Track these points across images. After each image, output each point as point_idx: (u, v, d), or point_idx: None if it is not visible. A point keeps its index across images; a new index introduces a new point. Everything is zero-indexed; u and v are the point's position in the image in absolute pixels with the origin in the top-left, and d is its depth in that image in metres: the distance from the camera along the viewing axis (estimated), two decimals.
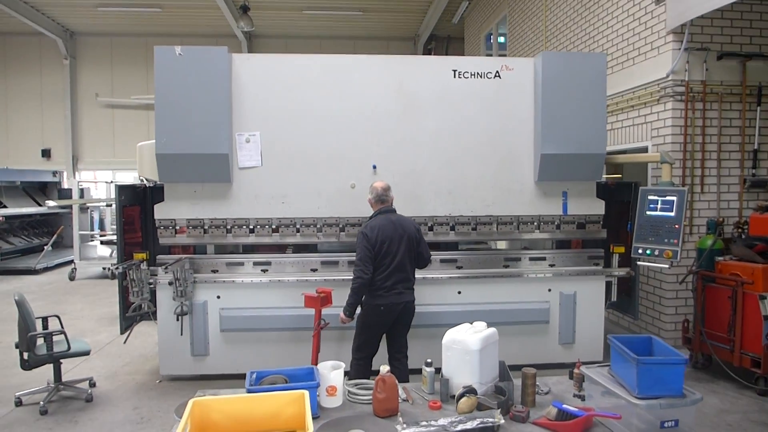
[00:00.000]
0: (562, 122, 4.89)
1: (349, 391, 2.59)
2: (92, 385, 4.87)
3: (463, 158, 5.03)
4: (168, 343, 4.95)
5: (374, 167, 4.94)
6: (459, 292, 5.10)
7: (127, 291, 4.89)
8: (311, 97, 4.88)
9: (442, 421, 2.27)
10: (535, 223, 5.14)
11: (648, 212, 4.63)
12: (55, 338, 4.44)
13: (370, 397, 2.52)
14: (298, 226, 4.96)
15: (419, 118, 4.98)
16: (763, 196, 5.66)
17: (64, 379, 4.69)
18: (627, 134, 6.26)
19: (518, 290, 5.14)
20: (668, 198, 4.52)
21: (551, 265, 5.20)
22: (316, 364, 4.32)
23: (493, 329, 2.67)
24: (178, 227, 4.92)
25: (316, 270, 5.02)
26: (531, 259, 5.21)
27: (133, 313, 4.83)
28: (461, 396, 2.42)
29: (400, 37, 14.14)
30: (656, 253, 4.53)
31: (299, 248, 5.19)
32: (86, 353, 4.62)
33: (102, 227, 11.88)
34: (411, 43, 14.31)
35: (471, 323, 2.72)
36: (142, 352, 5.83)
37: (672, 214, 4.48)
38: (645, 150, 5.92)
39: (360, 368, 4.09)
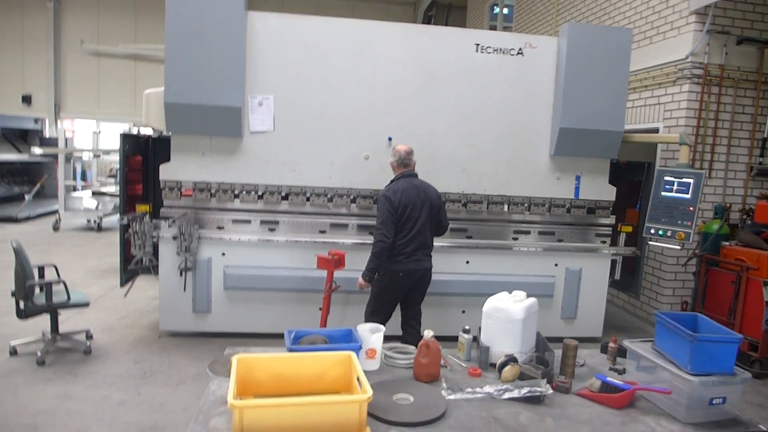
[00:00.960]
0: (583, 96, 4.80)
1: (385, 355, 2.51)
2: (89, 337, 4.72)
3: (479, 135, 4.92)
4: (169, 298, 4.81)
5: (390, 140, 4.80)
6: (467, 262, 5.06)
7: (129, 243, 4.73)
8: (328, 63, 4.69)
9: (487, 389, 2.22)
10: (546, 206, 5.10)
11: (663, 193, 4.61)
12: (54, 288, 4.26)
13: (408, 361, 2.46)
14: (308, 195, 4.82)
15: (438, 92, 4.84)
16: (767, 184, 5.71)
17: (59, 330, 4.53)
18: (638, 114, 6.21)
19: (525, 263, 5.12)
20: (685, 180, 4.50)
21: (559, 240, 5.19)
22: (325, 327, 4.32)
23: (533, 299, 2.61)
24: (183, 189, 4.72)
25: (325, 232, 4.91)
26: (540, 233, 5.18)
27: (134, 266, 4.67)
28: (504, 364, 2.37)
29: (400, 1, 13.74)
30: (668, 234, 4.53)
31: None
32: (85, 305, 4.46)
33: (84, 178, 11.48)
34: (411, 8, 13.94)
35: (510, 292, 2.65)
36: (137, 307, 5.68)
37: (688, 196, 4.47)
38: (656, 131, 5.89)
39: None
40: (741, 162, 5.67)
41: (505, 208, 5.07)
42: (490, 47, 4.84)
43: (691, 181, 4.47)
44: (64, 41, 12.92)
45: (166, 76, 4.42)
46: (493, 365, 2.47)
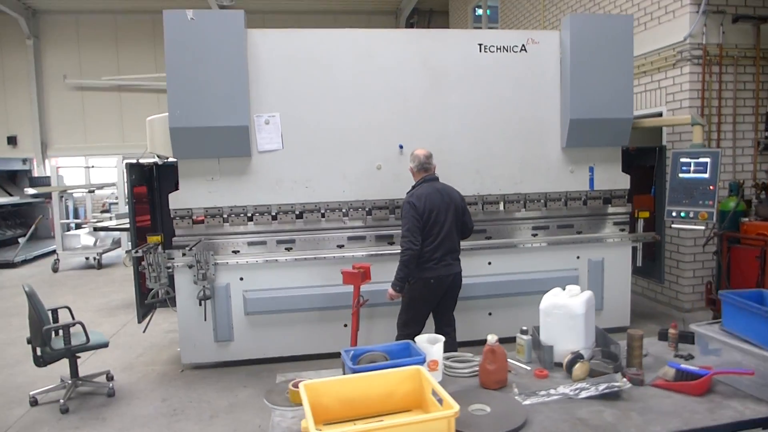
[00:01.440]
0: (590, 86, 4.77)
1: (445, 365, 2.41)
2: (110, 378, 4.55)
3: (489, 135, 4.87)
4: (189, 329, 4.66)
5: (401, 147, 4.73)
6: (489, 263, 4.98)
7: (143, 277, 4.58)
8: (332, 75, 4.62)
9: (562, 389, 2.12)
10: (562, 200, 5.04)
11: (681, 175, 4.58)
12: (72, 330, 4.09)
13: (470, 369, 2.36)
14: (323, 211, 4.72)
15: (445, 95, 4.79)
16: None
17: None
18: (640, 100, 6.20)
19: (548, 259, 5.05)
20: (702, 160, 4.48)
21: (578, 232, 5.13)
22: (356, 344, 4.20)
23: (589, 292, 2.52)
24: (194, 216, 4.60)
25: (343, 246, 4.80)
26: (559, 227, 5.12)
27: (152, 300, 4.52)
28: (572, 362, 2.27)
29: (382, 11, 13.78)
30: (691, 215, 4.49)
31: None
32: (105, 345, 4.29)
33: (76, 215, 11.26)
34: (392, 17, 13.98)
35: (563, 288, 2.57)
36: (153, 342, 5.50)
37: (706, 175, 4.44)
38: (659, 115, 5.87)
39: None
40: (747, 138, 5.67)
41: (522, 205, 5.01)
42: (493, 46, 4.80)
43: (708, 160, 4.45)
44: (47, 78, 12.78)
45: (169, 101, 4.31)
46: (558, 364, 2.38)
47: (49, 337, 3.98)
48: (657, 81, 5.94)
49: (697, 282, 5.76)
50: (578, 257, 5.11)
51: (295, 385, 2.16)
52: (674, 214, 4.59)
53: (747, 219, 4.95)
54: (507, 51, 4.83)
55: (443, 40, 4.80)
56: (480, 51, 4.80)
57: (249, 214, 4.67)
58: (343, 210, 4.77)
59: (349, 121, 4.69)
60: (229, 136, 4.42)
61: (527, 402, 2.06)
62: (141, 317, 4.75)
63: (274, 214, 4.69)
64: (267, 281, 4.69)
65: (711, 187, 4.41)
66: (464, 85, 4.81)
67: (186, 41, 4.29)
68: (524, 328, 2.52)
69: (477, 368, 2.34)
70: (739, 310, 2.21)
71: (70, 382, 4.23)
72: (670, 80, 5.75)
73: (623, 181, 5.13)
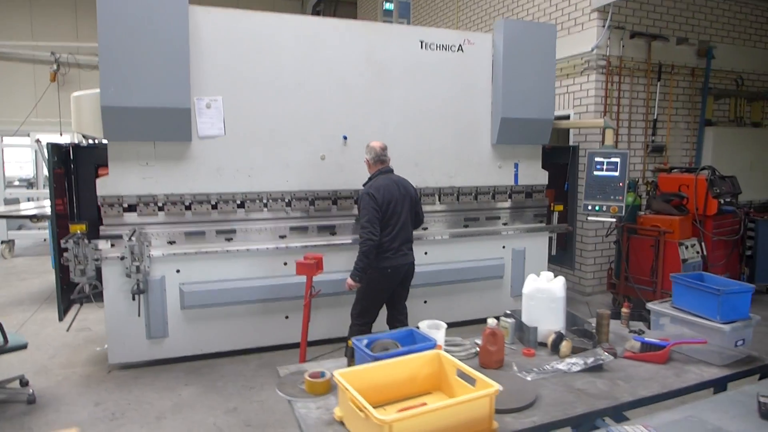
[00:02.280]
0: (519, 88, 5.16)
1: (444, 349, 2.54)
2: (24, 383, 4.08)
3: (428, 130, 5.08)
4: (118, 326, 4.33)
5: (345, 138, 4.77)
6: (426, 253, 5.19)
7: (65, 271, 4.16)
8: (277, 61, 4.52)
9: (556, 365, 2.37)
10: (491, 193, 5.42)
11: (595, 172, 5.14)
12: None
13: (467, 352, 2.52)
14: (265, 201, 4.62)
15: (387, 89, 4.90)
16: (659, 159, 6.62)
17: None
18: None
19: (478, 248, 5.40)
20: (613, 160, 5.06)
21: (504, 224, 5.54)
22: (307, 335, 4.19)
23: (562, 278, 2.80)
24: (125, 204, 4.26)
25: (285, 237, 4.73)
26: (487, 218, 5.48)
27: (78, 295, 4.12)
28: (556, 341, 2.53)
29: None
30: (604, 209, 5.07)
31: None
32: (24, 347, 3.82)
33: None
34: (298, 3, 13.72)
35: (538, 275, 2.82)
36: (65, 342, 5.00)
37: (617, 173, 5.04)
38: (567, 117, 6.51)
39: (363, 334, 3.99)
40: (638, 141, 6.50)
41: (456, 198, 5.30)
42: (434, 44, 5.00)
43: (618, 160, 5.04)
44: None
45: (101, 77, 3.95)
46: (542, 344, 2.63)
47: None
48: (565, 86, 6.56)
49: (597, 269, 6.51)
50: (504, 247, 5.53)
51: (313, 376, 2.17)
52: (590, 207, 5.14)
53: (642, 212, 5.69)
54: (446, 50, 5.06)
55: (387, 34, 4.90)
56: (421, 48, 4.98)
57: (187, 203, 4.43)
58: (286, 200, 4.70)
59: (294, 110, 4.62)
60: (167, 119, 4.15)
61: (529, 378, 2.27)
62: (62, 314, 4.30)
63: (213, 203, 4.49)
64: (205, 273, 4.49)
65: (621, 184, 5.01)
66: (406, 80, 4.95)
67: (122, 12, 3.94)
68: (508, 311, 2.74)
69: (473, 350, 2.52)
70: (687, 289, 2.61)
71: None
72: (578, 86, 6.39)
73: (542, 177, 5.64)
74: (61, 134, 12.55)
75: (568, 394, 2.15)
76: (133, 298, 4.25)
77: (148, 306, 4.34)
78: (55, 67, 12.34)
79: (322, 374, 2.19)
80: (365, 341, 2.28)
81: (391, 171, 4.05)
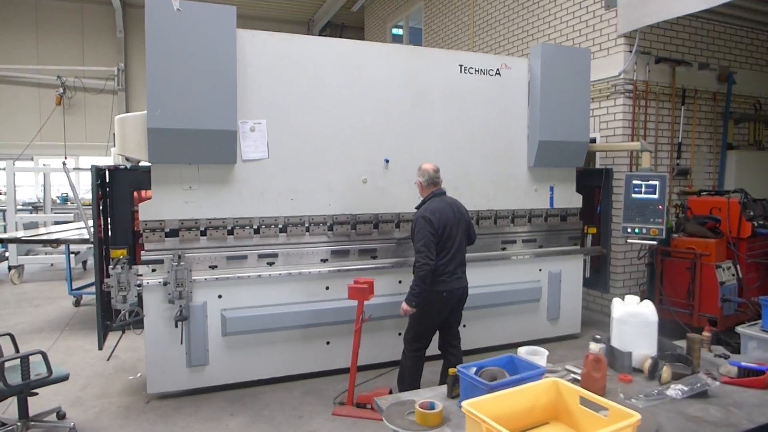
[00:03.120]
0: (556, 111, 5.20)
1: None
2: (61, 417, 3.91)
3: (467, 153, 5.07)
4: (157, 355, 4.18)
5: (386, 161, 4.75)
6: None
7: (103, 297, 4.04)
8: (320, 84, 4.50)
9: (664, 391, 2.30)
10: (527, 216, 5.40)
11: (633, 195, 5.15)
12: (32, 360, 3.45)
13: (565, 378, 2.45)
14: (307, 225, 4.55)
15: (428, 112, 4.90)
16: (683, 182, 6.67)
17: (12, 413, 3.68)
18: None
19: (514, 271, 5.35)
20: (651, 182, 5.08)
21: (540, 246, 5.51)
22: (357, 361, 4.08)
23: (649, 302, 2.75)
24: (167, 229, 4.17)
25: (327, 260, 4.65)
26: (524, 241, 5.45)
27: (121, 323, 3.98)
28: (654, 366, 2.47)
29: (294, 20, 13.62)
30: (644, 231, 5.07)
31: None
32: (65, 378, 3.66)
33: None
34: (305, 27, 13.87)
35: (622, 298, 2.77)
36: (95, 371, 4.82)
37: (656, 196, 5.05)
38: (593, 141, 6.55)
39: (417, 360, 3.92)
40: (664, 164, 6.55)
41: (493, 222, 5.27)
42: (472, 68, 5.03)
43: (656, 183, 5.06)
44: None
45: (148, 99, 3.88)
46: (636, 369, 2.57)
47: (2, 371, 3.31)
48: (591, 110, 6.61)
49: (626, 292, 6.48)
50: (540, 270, 5.49)
51: (423, 407, 2.09)
52: (629, 230, 5.14)
53: (676, 235, 5.70)
54: (484, 73, 5.09)
55: (428, 58, 4.92)
56: (460, 72, 5.00)
57: (229, 228, 4.34)
58: (328, 224, 4.63)
59: (336, 133, 4.59)
60: (214, 141, 4.09)
61: (641, 406, 2.21)
62: (102, 343, 4.15)
63: (256, 227, 4.41)
64: (247, 299, 4.38)
65: (660, 207, 5.02)
66: (446, 104, 4.96)
67: (170, 34, 3.91)
68: (597, 336, 2.67)
69: (568, 377, 2.45)
70: None
71: (19, 424, 3.55)
72: (604, 110, 6.46)
73: (577, 200, 5.64)
74: (65, 158, 12.42)
75: (688, 422, 2.09)
76: (176, 325, 4.13)
77: (188, 333, 4.21)
78: (61, 90, 12.28)
79: (432, 405, 2.10)
80: (473, 369, 2.19)
81: (444, 193, 4.01)
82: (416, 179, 4.05)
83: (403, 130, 4.82)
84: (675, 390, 2.30)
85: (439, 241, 3.77)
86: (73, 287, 7.04)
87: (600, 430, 1.71)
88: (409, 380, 3.86)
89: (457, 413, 2.17)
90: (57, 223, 9.35)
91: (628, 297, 2.77)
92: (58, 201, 11.08)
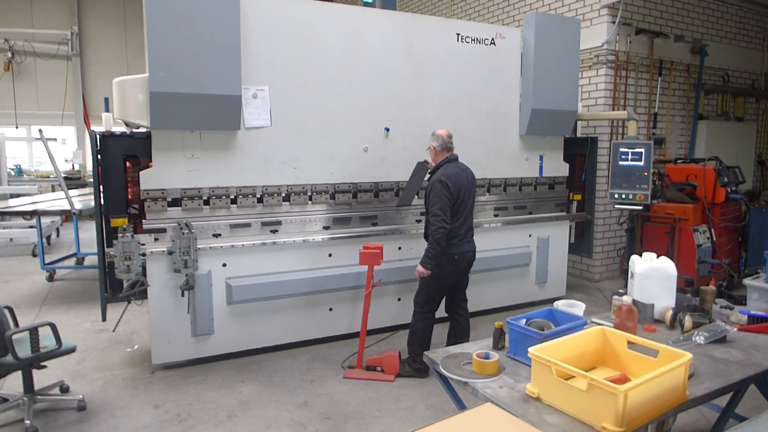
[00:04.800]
0: (549, 80, 5.32)
1: None
2: (64, 390, 3.83)
3: (464, 122, 5.13)
4: (162, 325, 4.14)
5: (387, 130, 4.78)
6: None
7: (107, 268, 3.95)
8: (323, 51, 4.46)
9: (694, 337, 2.50)
10: (518, 185, 5.56)
11: (620, 162, 5.39)
12: (41, 332, 3.36)
13: None
14: (309, 194, 4.55)
15: (426, 81, 4.93)
16: (658, 151, 7.00)
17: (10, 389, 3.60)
18: None
19: (506, 237, 5.53)
20: (637, 150, 5.33)
21: (530, 213, 5.70)
22: (366, 326, 4.17)
23: (665, 257, 2.94)
24: (169, 198, 4.09)
25: (329, 228, 4.68)
26: (515, 207, 5.62)
27: (127, 292, 3.90)
28: (675, 317, 2.67)
29: None
30: (630, 197, 5.33)
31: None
32: (73, 350, 3.59)
33: None
34: None
35: (640, 254, 2.95)
36: (89, 344, 4.72)
37: (641, 163, 5.31)
38: None
39: (428, 322, 4.03)
40: (641, 134, 6.85)
41: (486, 190, 5.40)
42: (468, 37, 5.08)
43: (642, 150, 5.31)
44: None
45: (150, 62, 3.75)
46: (657, 320, 2.77)
47: (10, 345, 3.21)
48: None
49: (604, 256, 6.82)
50: (530, 235, 5.69)
51: (479, 356, 2.19)
52: (616, 196, 5.39)
53: (655, 201, 6.01)
54: (480, 43, 5.15)
55: (427, 26, 4.92)
56: (457, 40, 5.04)
57: (232, 197, 4.29)
58: (330, 192, 4.65)
59: (338, 101, 4.57)
60: (218, 107, 4.01)
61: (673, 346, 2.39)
62: (105, 314, 4.06)
63: (259, 196, 4.38)
64: (252, 267, 4.37)
65: (645, 174, 5.28)
66: (443, 72, 5.00)
67: None
68: (620, 291, 2.85)
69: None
70: None
71: (26, 398, 3.47)
72: (586, 80, 6.66)
73: (564, 169, 5.84)
74: (17, 127, 11.77)
75: (717, 364, 2.29)
76: (183, 294, 4.09)
77: (193, 302, 4.18)
78: (9, 55, 11.52)
79: (486, 355, 2.21)
80: (523, 321, 2.32)
81: (457, 158, 4.09)
82: (429, 144, 4.10)
83: (402, 98, 4.84)
84: (699, 336, 2.50)
85: (453, 205, 3.87)
86: (45, 261, 6.79)
87: (659, 369, 1.86)
88: (420, 341, 3.99)
89: (508, 362, 2.29)
90: (13, 196, 8.91)
91: (646, 254, 2.96)
92: (13, 174, 10.51)
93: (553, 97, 5.37)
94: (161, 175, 4.04)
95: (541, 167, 5.68)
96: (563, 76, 5.40)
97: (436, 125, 4.90)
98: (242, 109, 4.16)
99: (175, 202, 4.13)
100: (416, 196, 4.82)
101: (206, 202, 4.21)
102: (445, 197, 3.80)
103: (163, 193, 4.06)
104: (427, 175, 4.32)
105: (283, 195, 4.47)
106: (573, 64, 5.48)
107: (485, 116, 5.27)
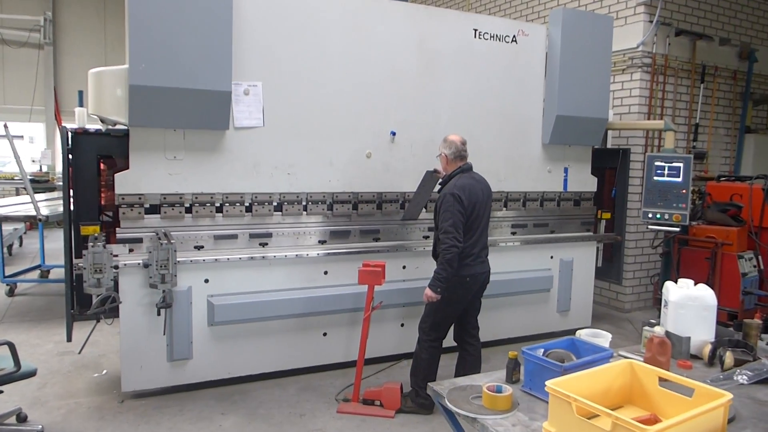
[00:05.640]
0: (576, 84, 5.37)
1: None
2: (22, 419, 3.84)
3: (479, 127, 5.18)
4: (134, 348, 4.16)
5: (393, 134, 4.83)
6: None
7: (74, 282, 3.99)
8: (324, 45, 4.54)
9: (736, 376, 2.50)
10: (539, 200, 5.59)
11: (655, 178, 5.41)
12: None
13: None
14: (304, 203, 4.59)
15: (439, 80, 5.00)
16: (699, 166, 7.03)
17: None
18: None
19: (525, 258, 5.54)
20: (675, 164, 5.35)
21: (552, 232, 5.72)
22: (365, 353, 4.17)
23: (703, 285, 2.94)
24: (147, 204, 4.13)
25: (325, 242, 4.71)
26: (535, 225, 5.64)
27: (96, 309, 3.92)
28: (714, 352, 2.67)
29: None
30: (666, 217, 5.34)
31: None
32: (33, 374, 3.60)
33: None
34: None
35: (676, 282, 2.96)
36: (50, 368, 4.73)
37: (679, 179, 5.32)
38: None
39: (434, 351, 4.03)
40: (680, 147, 6.87)
41: (503, 204, 5.42)
42: (487, 33, 5.15)
43: (681, 165, 5.33)
44: None
45: (130, 51, 3.82)
46: (693, 356, 2.76)
47: None
48: None
49: (636, 283, 6.81)
50: (552, 257, 5.70)
51: (490, 389, 2.20)
52: (650, 215, 5.40)
53: (695, 222, 6.02)
54: (500, 40, 5.21)
55: (440, 20, 5.00)
56: (475, 36, 5.11)
57: (217, 204, 4.33)
58: (328, 202, 4.68)
59: (339, 101, 4.63)
60: (205, 104, 4.07)
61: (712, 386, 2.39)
62: (71, 334, 4.08)
63: (248, 204, 4.42)
64: (237, 284, 4.39)
65: (684, 191, 5.29)
66: (457, 71, 5.06)
67: None
68: (652, 321, 2.85)
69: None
70: None
71: None
72: (619, 85, 6.71)
73: (591, 184, 5.87)
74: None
75: (761, 407, 2.28)
76: (158, 313, 4.10)
77: (171, 322, 4.20)
78: None
79: (498, 388, 2.21)
80: (540, 351, 2.32)
81: (471, 168, 4.12)
82: (440, 151, 4.13)
83: (411, 99, 4.90)
84: (741, 375, 2.49)
85: (467, 221, 3.88)
86: (6, 274, 6.84)
87: (694, 410, 1.86)
88: (425, 372, 3.98)
89: (523, 397, 2.30)
90: None
91: (681, 281, 2.96)
92: None
93: (580, 102, 5.41)
94: (139, 178, 4.08)
95: (565, 181, 5.71)
96: (593, 80, 5.45)
97: (449, 130, 4.95)
98: (232, 107, 4.22)
99: (154, 209, 4.17)
100: (424, 210, 4.84)
101: (188, 210, 4.25)
102: (458, 212, 3.81)
103: (140, 198, 4.10)
104: (437, 186, 4.34)
105: (275, 204, 4.50)
106: (604, 67, 5.53)
107: (504, 121, 5.32)
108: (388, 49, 4.76)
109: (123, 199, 4.07)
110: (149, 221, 4.16)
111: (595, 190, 5.90)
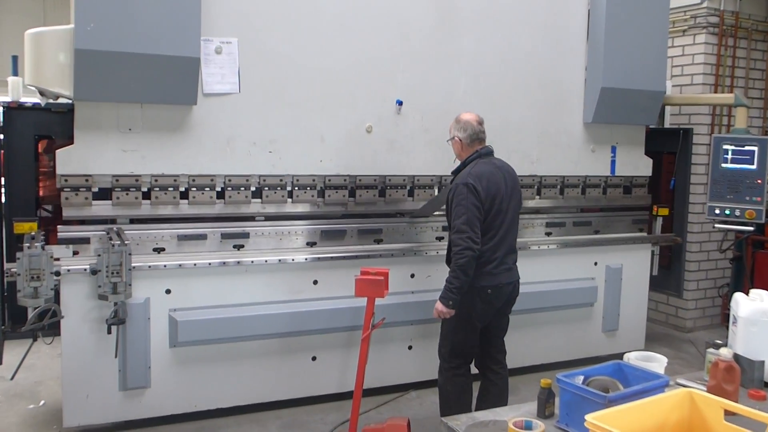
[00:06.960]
0: (625, 50, 5.41)
1: None
2: None
3: (506, 97, 5.22)
4: (79, 373, 4.18)
5: (399, 103, 4.86)
6: None
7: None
8: None
9: None
10: (580, 187, 5.60)
11: (723, 165, 5.40)
12: None
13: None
14: (289, 188, 4.62)
15: (456, 39, 5.03)
16: None
17: None
18: None
19: (562, 264, 5.55)
20: (748, 148, 5.34)
21: (596, 232, 5.72)
22: (363, 379, 4.18)
23: None
24: (96, 188, 4.17)
25: (315, 244, 4.73)
26: (575, 224, 5.65)
27: (32, 325, 3.94)
28: None
29: None
30: (737, 213, 5.33)
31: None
32: None
33: None
34: None
35: (748, 293, 2.97)
36: None
37: (754, 167, 5.31)
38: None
39: (460, 380, 3.98)
40: (755, 125, 6.87)
41: (536, 191, 5.43)
42: None
43: (755, 149, 5.32)
44: None
45: (76, 9, 3.84)
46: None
47: None
48: None
49: (700, 296, 6.82)
50: (596, 263, 5.70)
51: (518, 425, 2.21)
52: (717, 211, 5.38)
53: None
54: None
55: None
56: None
57: (182, 189, 4.37)
58: (318, 187, 4.70)
59: (334, 62, 4.66)
60: (168, 72, 4.09)
61: None
62: (1, 355, 4.11)
63: (219, 189, 4.46)
64: (206, 295, 4.43)
65: (759, 181, 5.28)
66: (480, 27, 5.08)
67: None
68: (717, 341, 2.86)
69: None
70: None
71: None
72: (679, 50, 6.72)
73: (645, 167, 5.88)
74: None
75: None
76: (109, 331, 4.12)
77: (125, 342, 4.22)
78: None
79: (527, 424, 2.22)
80: (579, 378, 2.33)
81: (492, 153, 4.12)
82: (452, 134, 4.13)
83: (423, 60, 4.93)
84: None
85: (486, 217, 3.88)
86: None
87: None
88: (456, 409, 3.79)
89: None
90: None
91: (754, 292, 2.97)
92: None
93: (631, 72, 5.43)
94: (86, 155, 4.12)
95: (613, 162, 5.72)
96: (646, 44, 5.48)
97: (468, 98, 5.01)
98: (201, 71, 4.23)
99: (104, 194, 4.20)
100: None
101: (146, 195, 4.29)
102: (473, 206, 3.80)
103: (87, 180, 4.13)
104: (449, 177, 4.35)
105: (253, 188, 4.54)
106: (660, 28, 5.56)
107: (537, 90, 5.35)
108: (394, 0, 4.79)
109: (66, 180, 4.08)
110: (98, 208, 4.20)
111: (649, 174, 5.91)
